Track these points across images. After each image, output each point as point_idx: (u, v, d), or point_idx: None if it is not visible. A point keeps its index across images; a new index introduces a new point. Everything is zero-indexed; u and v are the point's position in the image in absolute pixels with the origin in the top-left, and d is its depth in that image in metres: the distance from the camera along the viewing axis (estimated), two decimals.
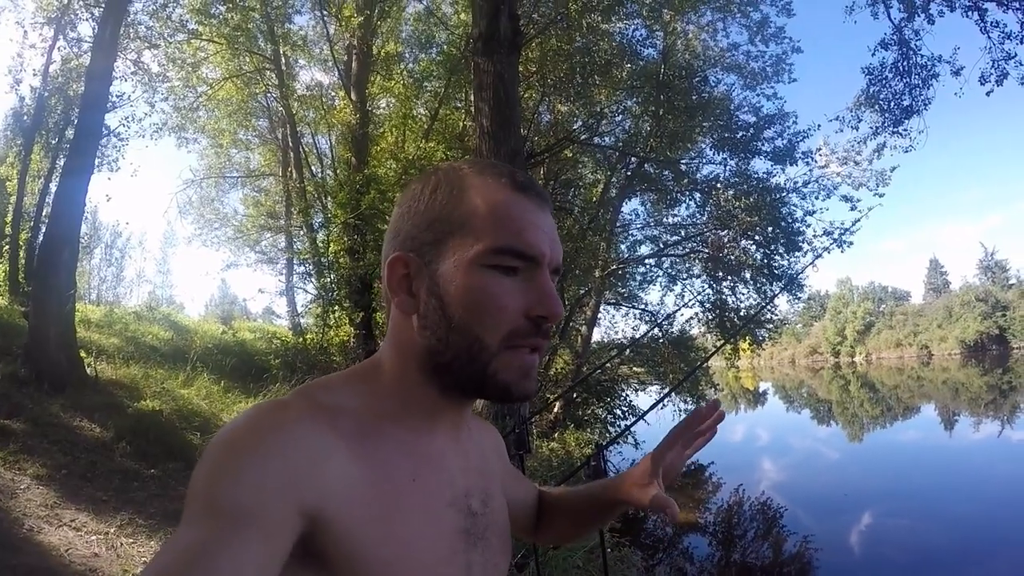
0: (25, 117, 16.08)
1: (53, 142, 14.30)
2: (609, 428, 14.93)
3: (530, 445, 3.27)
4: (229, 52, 14.19)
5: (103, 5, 10.15)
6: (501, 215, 0.71)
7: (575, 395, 14.21)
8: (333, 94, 14.35)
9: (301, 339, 11.84)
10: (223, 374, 10.23)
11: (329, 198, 12.28)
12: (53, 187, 11.87)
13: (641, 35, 14.49)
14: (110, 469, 5.73)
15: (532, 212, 0.73)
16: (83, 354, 8.28)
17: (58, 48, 14.76)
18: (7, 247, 15.25)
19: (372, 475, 0.66)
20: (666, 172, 15.77)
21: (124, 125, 14.92)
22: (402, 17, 15.06)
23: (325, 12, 14.05)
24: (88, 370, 7.99)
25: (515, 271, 0.70)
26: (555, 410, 13.72)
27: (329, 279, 11.74)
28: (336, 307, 11.55)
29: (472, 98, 10.05)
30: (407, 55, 14.66)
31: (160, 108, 15.77)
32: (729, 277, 15.84)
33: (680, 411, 16.72)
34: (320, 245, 12.38)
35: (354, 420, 0.68)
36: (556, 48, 12.38)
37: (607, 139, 15.54)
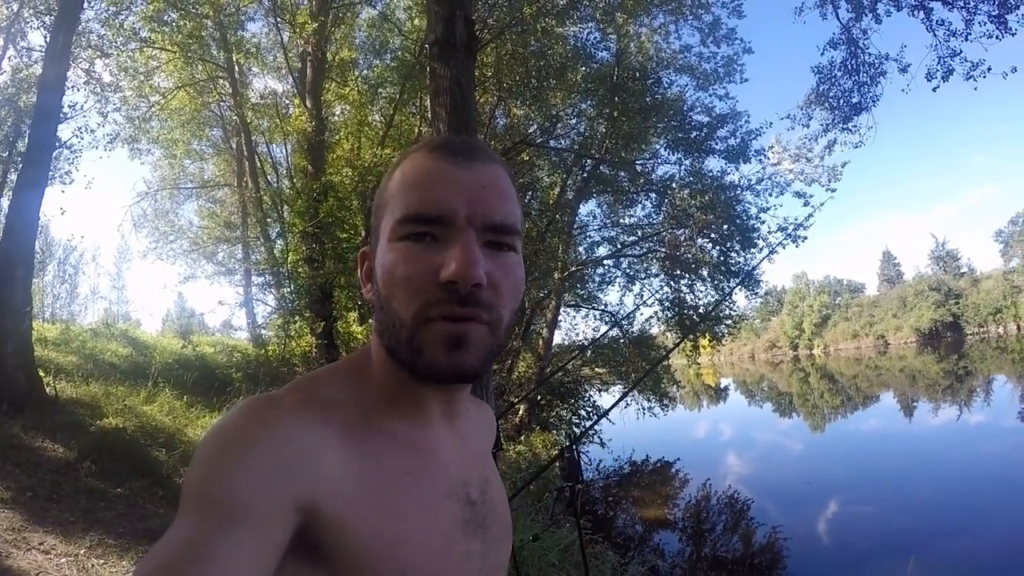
0: None
1: (4, 155, 13.89)
2: (575, 429, 15.01)
3: (500, 443, 3.37)
4: (182, 60, 13.94)
5: (54, 13, 9.92)
6: (410, 182, 0.69)
7: (539, 398, 14.32)
8: (288, 102, 14.22)
9: (263, 351, 11.70)
10: (185, 389, 10.08)
11: (286, 207, 12.16)
12: (5, 202, 11.52)
13: (595, 38, 14.69)
14: (76, 489, 5.63)
15: (444, 171, 0.68)
16: (41, 373, 8.10)
17: (8, 58, 14.39)
18: None
19: (365, 468, 0.65)
20: (622, 173, 15.97)
21: (77, 136, 14.54)
22: (356, 23, 14.96)
23: (278, 19, 13.89)
24: (48, 389, 7.82)
25: (431, 238, 0.66)
26: (520, 413, 13.82)
27: (288, 289, 11.61)
28: (297, 317, 11.43)
29: (428, 103, 10.06)
30: (361, 61, 14.56)
31: (113, 119, 15.39)
32: (687, 275, 16.10)
33: (644, 411, 17.01)
34: (278, 255, 12.24)
35: (345, 413, 0.68)
36: (511, 52, 12.46)
37: (563, 142, 15.69)
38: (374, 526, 0.63)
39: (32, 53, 13.74)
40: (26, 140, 9.45)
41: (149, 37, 14.28)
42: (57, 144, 12.92)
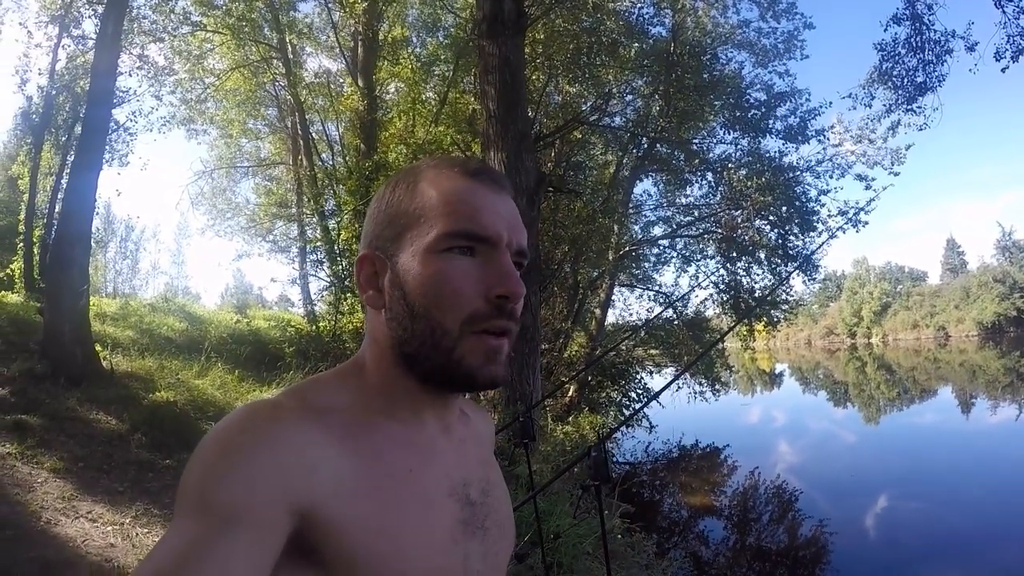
0: (34, 116, 16.16)
1: (63, 139, 14.34)
2: (623, 411, 14.90)
3: (534, 433, 3.20)
4: (235, 42, 14.10)
5: (104, 2, 10.13)
6: (453, 200, 0.71)
7: (589, 378, 14.16)
8: (341, 81, 14.28)
9: (314, 327, 11.83)
10: (237, 363, 10.20)
11: (340, 185, 12.23)
12: (64, 184, 11.92)
13: (648, 13, 14.32)
14: (126, 460, 5.74)
15: (485, 196, 0.73)
16: (98, 348, 8.32)
17: (63, 46, 14.81)
18: (22, 245, 15.43)
19: (363, 470, 0.66)
20: (678, 152, 15.62)
21: (132, 120, 14.96)
22: (408, 1, 14.95)
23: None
24: (104, 363, 8.03)
25: (472, 253, 0.71)
26: (570, 393, 13.70)
27: (341, 266, 11.70)
28: (348, 294, 11.50)
29: (478, 81, 9.97)
30: (414, 39, 14.55)
31: (168, 101, 15.81)
32: (743, 258, 15.75)
33: (696, 394, 16.73)
34: (331, 232, 12.34)
35: (343, 417, 0.69)
36: (562, 28, 12.23)
37: (617, 119, 15.38)
38: (373, 527, 0.64)
39: (86, 40, 14.01)
40: (82, 124, 9.69)
41: (201, 21, 14.57)
42: (113, 127, 13.35)
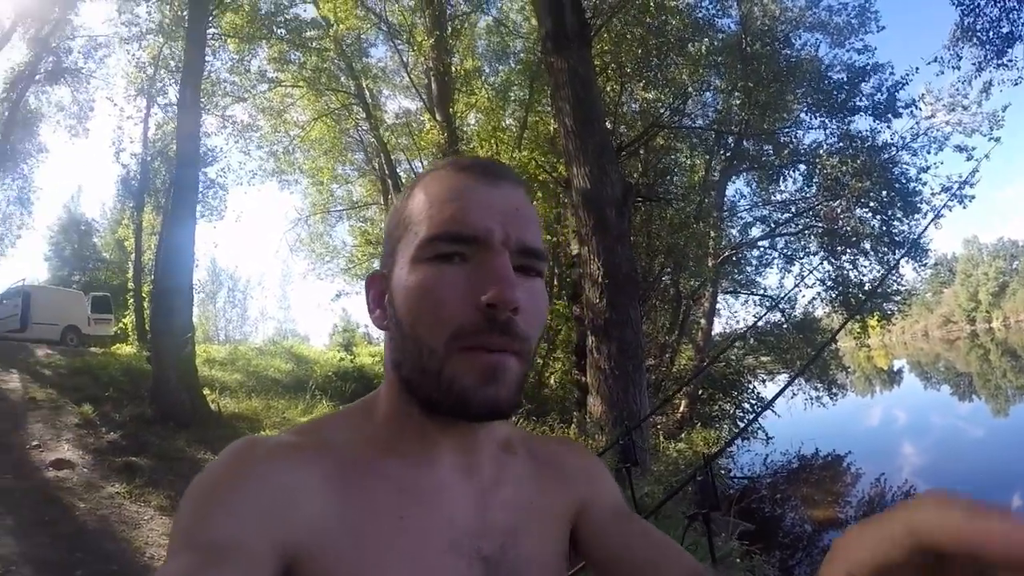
0: (133, 181, 17.54)
1: (162, 201, 15.26)
2: (737, 424, 14.36)
3: (636, 456, 2.92)
4: (313, 93, 14.59)
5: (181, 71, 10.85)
6: (437, 200, 0.62)
7: (700, 391, 13.72)
8: (421, 118, 14.55)
9: None
10: (343, 399, 10.43)
11: None
12: None
13: (711, 5, 13.99)
14: None
15: (474, 189, 0.62)
16: (206, 391, 8.81)
17: (152, 115, 15.96)
18: (132, 300, 16.50)
19: (353, 514, 0.59)
20: (766, 147, 15.09)
21: (222, 175, 15.79)
22: (475, 33, 15.17)
23: (398, 41, 14.33)
24: (212, 406, 8.49)
25: (461, 258, 0.60)
26: (681, 409, 13.31)
27: None
28: None
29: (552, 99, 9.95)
30: (487, 69, 14.74)
31: (256, 155, 16.64)
32: (847, 250, 15.17)
33: (812, 400, 15.92)
34: None
35: (341, 455, 0.62)
36: (628, 34, 12.05)
37: (698, 120, 15.07)
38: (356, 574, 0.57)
39: (171, 108, 14.99)
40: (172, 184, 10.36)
41: (277, 77, 15.24)
42: (206, 185, 14.14)
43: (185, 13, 11.38)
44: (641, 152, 12.59)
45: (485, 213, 0.60)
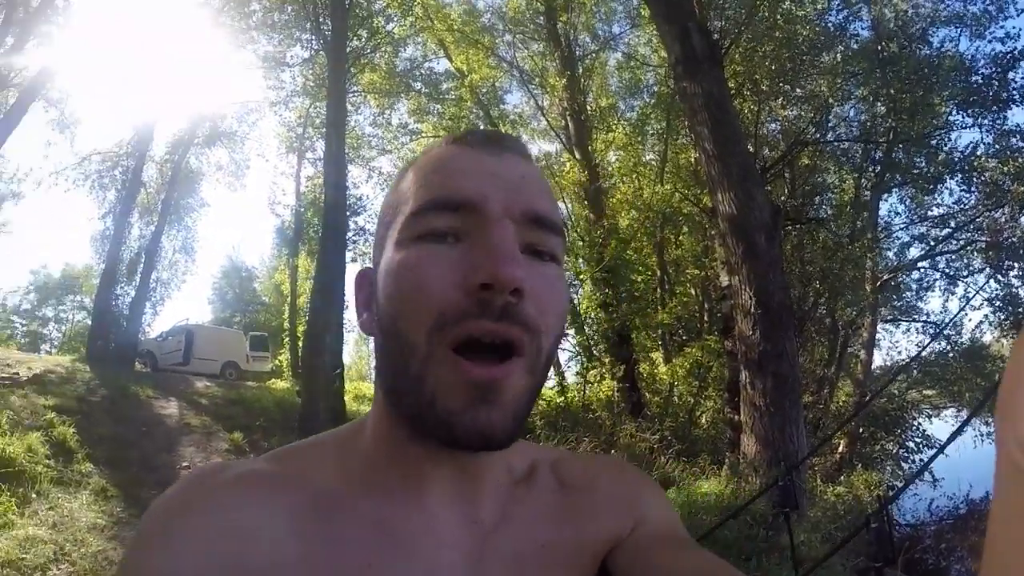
0: (287, 230, 18.97)
1: (316, 248, 16.49)
2: (901, 465, 13.27)
3: (797, 499, 2.66)
4: None
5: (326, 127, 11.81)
6: (427, 172, 0.53)
7: (860, 430, 12.86)
8: (562, 159, 14.87)
9: (563, 398, 11.94)
10: None
11: (576, 257, 12.55)
12: None
13: (841, 9, 13.34)
14: None
15: (466, 158, 0.53)
16: None
17: (303, 168, 17.37)
18: (288, 339, 17.73)
19: (316, 559, 0.48)
20: (915, 156, 14.14)
21: (371, 223, 16.72)
22: (605, 71, 15.42)
23: (531, 86, 14.78)
24: None
25: (455, 238, 0.49)
26: (840, 449, 12.52)
27: (584, 336, 11.78)
28: (596, 362, 11.53)
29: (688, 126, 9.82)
30: (621, 105, 14.89)
31: None
32: (1015, 264, 13.75)
33: (983, 436, 14.56)
34: (574, 303, 12.61)
35: (310, 489, 0.52)
36: (759, 50, 11.80)
37: (843, 134, 14.35)
38: None
39: (319, 161, 16.18)
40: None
41: (418, 128, 16.09)
42: (357, 232, 15.08)
43: (326, 74, 12.39)
44: (786, 174, 12.17)
45: (481, 179, 0.51)
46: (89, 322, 19.33)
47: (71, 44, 12.39)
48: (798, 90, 12.45)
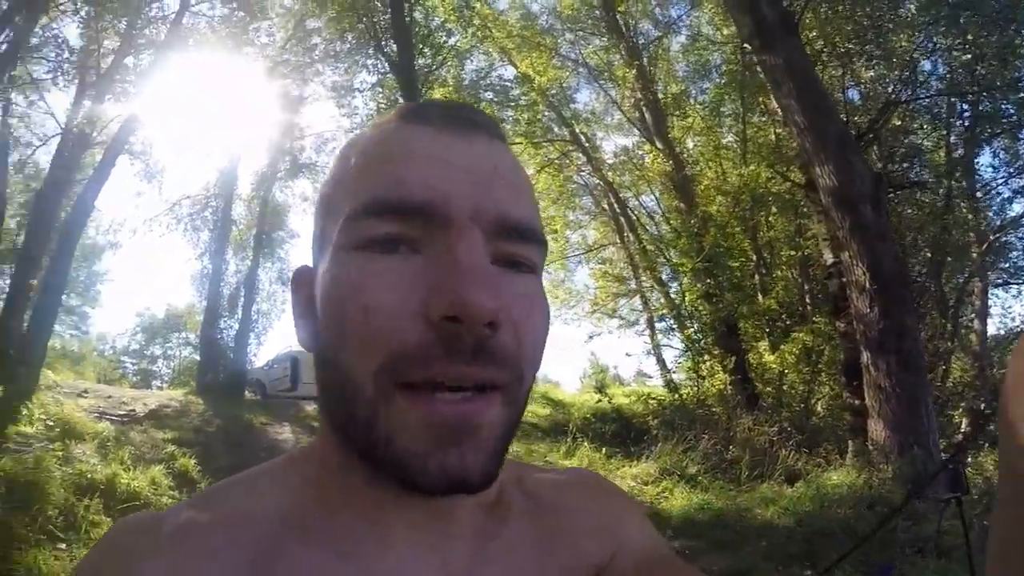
0: None
1: None
2: None
3: (966, 484, 2.56)
4: (531, 147, 15.35)
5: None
6: (374, 158, 0.43)
7: (983, 406, 12.26)
8: (641, 152, 14.79)
9: (676, 395, 11.88)
10: (604, 441, 10.56)
11: (671, 249, 12.45)
12: None
13: None
14: None
15: (424, 141, 0.42)
16: None
17: None
18: None
19: None
20: (1006, 104, 13.17)
21: None
22: (669, 57, 15.21)
23: (600, 81, 14.70)
24: None
25: (409, 247, 0.40)
26: (962, 428, 11.99)
27: (692, 329, 11.70)
28: (705, 356, 11.42)
29: (774, 103, 9.51)
30: (692, 89, 14.71)
31: None
32: None
33: None
34: (675, 297, 12.51)
35: (258, 533, 0.43)
36: (836, 7, 11.35)
37: (931, 90, 13.58)
38: None
39: None
40: None
41: None
42: None
43: (398, 95, 12.72)
44: (878, 140, 11.67)
45: (442, 171, 0.41)
46: (197, 356, 20.34)
47: (147, 98, 12.85)
48: (879, 50, 11.84)
